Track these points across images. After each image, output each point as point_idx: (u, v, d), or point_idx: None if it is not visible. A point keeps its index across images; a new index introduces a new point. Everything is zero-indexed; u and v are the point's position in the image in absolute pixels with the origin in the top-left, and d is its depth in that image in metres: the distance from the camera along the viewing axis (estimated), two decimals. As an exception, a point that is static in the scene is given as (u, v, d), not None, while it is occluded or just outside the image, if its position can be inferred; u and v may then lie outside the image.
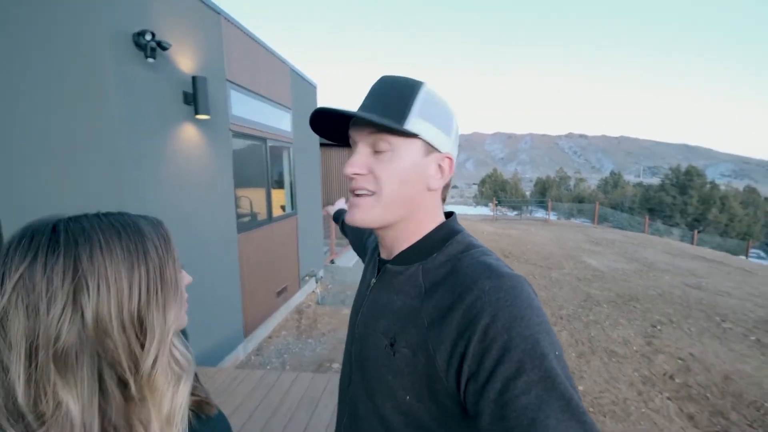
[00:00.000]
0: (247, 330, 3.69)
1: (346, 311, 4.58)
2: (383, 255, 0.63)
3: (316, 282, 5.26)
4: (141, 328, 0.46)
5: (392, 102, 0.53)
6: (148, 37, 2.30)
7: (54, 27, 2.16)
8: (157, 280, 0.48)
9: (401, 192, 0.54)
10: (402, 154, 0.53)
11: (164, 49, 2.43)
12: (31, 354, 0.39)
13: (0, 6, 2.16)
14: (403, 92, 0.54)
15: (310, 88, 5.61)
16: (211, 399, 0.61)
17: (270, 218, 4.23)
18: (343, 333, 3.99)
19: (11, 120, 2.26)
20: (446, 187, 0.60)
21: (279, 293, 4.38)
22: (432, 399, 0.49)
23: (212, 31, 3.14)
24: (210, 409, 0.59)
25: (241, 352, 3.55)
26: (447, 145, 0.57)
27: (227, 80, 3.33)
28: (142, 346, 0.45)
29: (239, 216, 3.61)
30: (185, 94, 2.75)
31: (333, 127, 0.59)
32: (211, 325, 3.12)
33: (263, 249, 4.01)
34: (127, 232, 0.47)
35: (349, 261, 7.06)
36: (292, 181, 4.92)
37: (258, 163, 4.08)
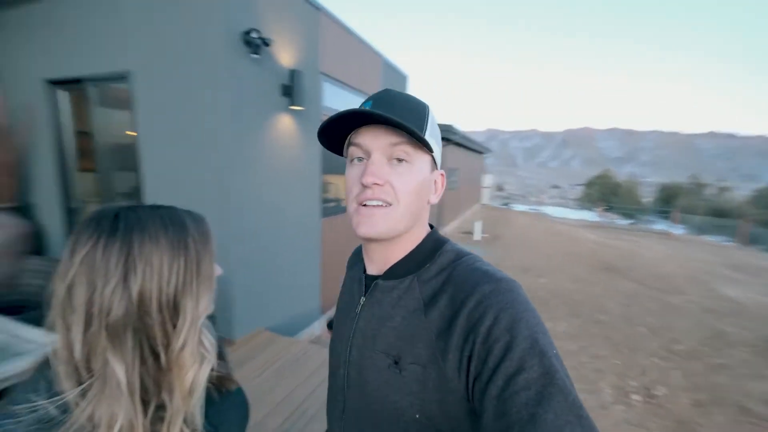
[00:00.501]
0: (324, 308, 3.92)
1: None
2: (372, 271, 0.62)
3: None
4: (175, 310, 0.51)
5: (410, 116, 0.53)
6: (254, 34, 2.54)
7: (182, 28, 2.53)
8: (194, 271, 0.53)
9: (414, 204, 0.55)
10: (418, 166, 0.54)
11: (267, 45, 2.65)
12: (87, 320, 0.46)
13: (141, 14, 2.62)
14: (418, 108, 0.55)
15: (400, 78, 5.61)
16: (232, 375, 0.64)
17: (352, 206, 4.39)
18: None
19: (153, 109, 2.74)
20: None
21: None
22: (443, 413, 0.48)
23: (311, 25, 3.32)
24: (230, 385, 0.63)
25: (316, 328, 3.80)
26: (439, 163, 0.60)
27: (321, 72, 3.51)
28: (174, 326, 0.51)
29: (324, 201, 3.83)
30: (283, 86, 2.97)
31: (339, 135, 0.58)
32: (292, 298, 3.40)
33: (345, 234, 4.19)
34: (174, 227, 0.53)
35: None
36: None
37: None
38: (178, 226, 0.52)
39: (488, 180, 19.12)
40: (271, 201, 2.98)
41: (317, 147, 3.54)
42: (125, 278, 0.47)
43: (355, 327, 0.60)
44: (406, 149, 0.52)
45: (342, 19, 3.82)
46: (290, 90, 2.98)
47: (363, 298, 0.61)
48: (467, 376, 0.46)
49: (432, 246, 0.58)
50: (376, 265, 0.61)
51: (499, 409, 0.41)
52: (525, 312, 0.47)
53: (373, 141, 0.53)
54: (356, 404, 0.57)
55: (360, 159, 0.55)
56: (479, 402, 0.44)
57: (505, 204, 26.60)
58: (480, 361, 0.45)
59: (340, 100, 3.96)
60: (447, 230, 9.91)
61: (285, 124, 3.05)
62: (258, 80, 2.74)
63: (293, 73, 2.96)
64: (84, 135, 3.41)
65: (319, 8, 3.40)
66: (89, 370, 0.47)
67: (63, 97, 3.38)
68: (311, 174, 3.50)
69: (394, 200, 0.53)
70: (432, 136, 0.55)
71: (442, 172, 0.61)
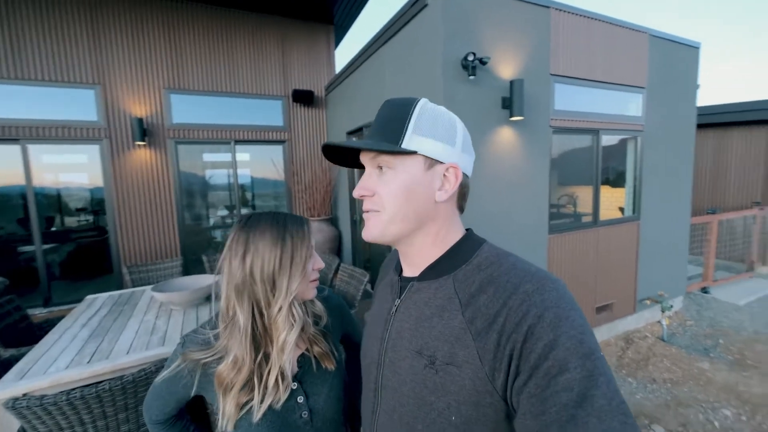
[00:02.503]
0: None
1: (705, 365, 3.15)
2: (407, 273, 0.63)
3: (663, 311, 3.96)
4: (273, 285, 0.72)
5: (391, 125, 0.56)
6: (471, 57, 2.69)
7: (413, 60, 3.03)
8: (288, 258, 0.70)
9: (404, 208, 0.55)
10: (400, 171, 0.55)
11: (484, 63, 2.74)
12: (227, 283, 0.73)
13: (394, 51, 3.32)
14: (400, 113, 0.56)
15: (685, 51, 4.16)
16: (333, 358, 0.80)
17: (595, 221, 3.66)
18: (686, 390, 2.80)
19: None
20: (462, 198, 0.61)
21: (599, 309, 3.73)
22: (480, 416, 0.47)
23: (538, 27, 3.12)
24: (329, 363, 0.78)
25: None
26: (451, 155, 0.57)
27: (551, 75, 3.20)
28: (273, 295, 0.72)
29: (553, 216, 3.42)
30: (503, 99, 2.95)
31: (350, 156, 0.63)
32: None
33: (580, 255, 3.56)
34: (277, 226, 0.74)
35: (740, 296, 4.65)
36: (636, 178, 3.95)
37: (584, 159, 3.63)
38: (281, 226, 0.73)
39: None
40: (487, 208, 2.98)
41: (545, 156, 3.24)
42: (243, 257, 0.70)
43: (390, 328, 0.60)
44: (384, 159, 0.56)
45: (581, 8, 3.34)
46: (510, 101, 2.92)
47: (398, 300, 0.61)
48: (507, 375, 0.45)
49: (469, 246, 0.59)
50: (410, 267, 0.62)
51: (538, 407, 0.41)
52: (570, 311, 0.45)
53: (364, 157, 0.59)
54: (390, 405, 0.57)
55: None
56: (516, 399, 0.44)
57: None
58: (522, 360, 0.44)
59: (579, 99, 3.45)
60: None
61: (503, 136, 3.01)
62: (475, 98, 2.86)
63: (512, 84, 2.88)
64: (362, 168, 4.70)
65: (548, 5, 3.15)
66: (225, 319, 0.73)
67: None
68: (537, 185, 3.23)
69: (381, 207, 0.56)
70: (421, 134, 0.55)
71: (453, 164, 0.57)
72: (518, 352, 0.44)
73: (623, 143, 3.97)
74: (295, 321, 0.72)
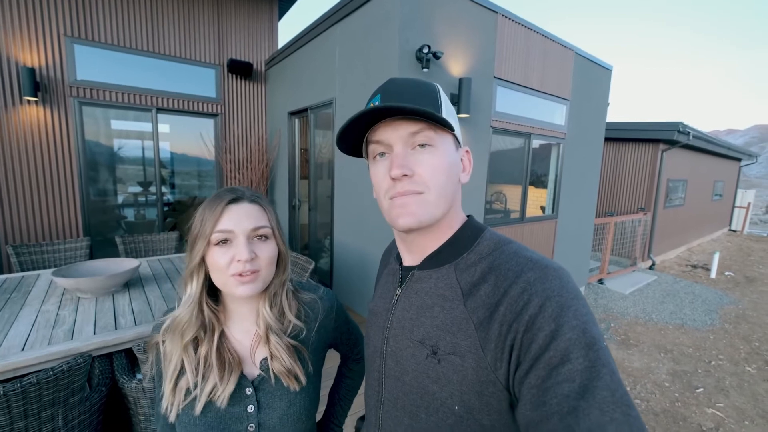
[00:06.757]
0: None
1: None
2: (408, 262, 0.61)
3: (570, 299, 4.53)
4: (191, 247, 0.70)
5: (423, 99, 0.52)
6: (425, 50, 2.71)
7: (367, 44, 2.97)
8: (198, 227, 0.69)
9: (446, 187, 0.53)
10: (442, 148, 0.53)
11: (437, 58, 2.79)
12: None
13: (346, 38, 3.21)
14: (428, 90, 0.54)
15: (601, 72, 4.74)
16: (301, 376, 0.76)
17: (522, 218, 4.02)
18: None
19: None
20: None
21: (520, 298, 4.14)
22: (483, 406, 0.47)
23: (486, 30, 3.27)
24: (292, 383, 0.74)
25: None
26: (462, 140, 0.58)
27: (495, 77, 3.39)
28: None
29: (488, 212, 3.67)
30: (452, 96, 3.05)
31: (354, 138, 0.57)
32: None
33: (509, 248, 3.90)
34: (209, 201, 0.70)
35: (626, 286, 5.56)
36: (557, 180, 4.42)
37: (517, 160, 3.94)
38: (211, 199, 0.70)
39: (747, 197, 13.52)
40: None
41: (484, 154, 3.44)
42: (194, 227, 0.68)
43: (392, 317, 0.59)
44: (427, 134, 0.51)
45: (522, 18, 3.58)
46: (457, 99, 3.03)
47: (399, 290, 0.60)
48: (509, 366, 0.44)
49: (470, 234, 0.56)
50: (413, 256, 0.60)
51: (539, 398, 0.40)
52: (573, 300, 0.43)
53: (392, 134, 0.52)
54: (393, 394, 0.57)
55: (382, 154, 0.54)
56: (518, 389, 0.43)
57: (781, 232, 17.99)
58: (522, 350, 0.43)
59: (516, 104, 3.72)
60: (663, 258, 7.63)
61: (450, 132, 3.12)
62: (427, 93, 2.91)
63: (461, 82, 2.99)
64: (304, 151, 4.50)
65: (496, 10, 3.31)
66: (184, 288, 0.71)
67: (295, 123, 4.58)
68: (475, 182, 3.43)
69: (425, 188, 0.52)
70: (449, 115, 0.53)
71: (467, 149, 0.59)
72: (519, 342, 0.43)
73: (548, 148, 4.40)
74: (200, 304, 0.69)
